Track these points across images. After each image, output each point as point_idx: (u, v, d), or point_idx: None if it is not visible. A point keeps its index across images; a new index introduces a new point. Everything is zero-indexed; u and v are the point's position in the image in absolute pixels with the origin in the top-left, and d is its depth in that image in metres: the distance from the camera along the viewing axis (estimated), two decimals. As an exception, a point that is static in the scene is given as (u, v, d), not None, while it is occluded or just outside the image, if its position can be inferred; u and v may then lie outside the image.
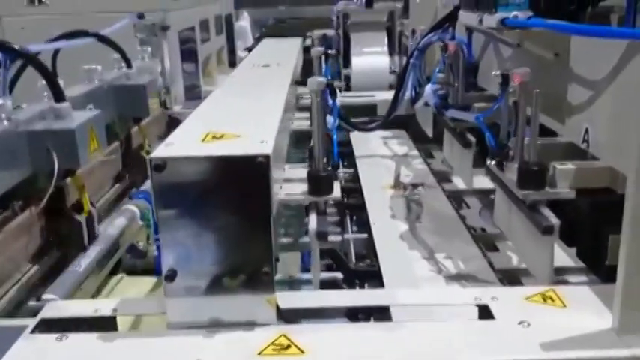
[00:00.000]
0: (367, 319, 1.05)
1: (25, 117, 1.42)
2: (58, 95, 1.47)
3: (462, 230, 1.62)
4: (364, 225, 1.73)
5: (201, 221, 0.96)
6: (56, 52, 2.09)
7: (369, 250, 1.59)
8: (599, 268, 1.29)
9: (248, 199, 0.96)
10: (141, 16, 2.81)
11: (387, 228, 1.64)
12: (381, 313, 1.05)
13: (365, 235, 1.66)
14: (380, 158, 2.26)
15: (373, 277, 1.40)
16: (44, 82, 1.47)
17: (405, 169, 2.05)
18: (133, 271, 1.71)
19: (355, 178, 2.05)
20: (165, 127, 2.49)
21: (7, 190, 1.33)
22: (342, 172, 1.55)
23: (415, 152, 2.33)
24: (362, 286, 1.41)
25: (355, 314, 1.05)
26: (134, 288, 1.56)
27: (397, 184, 1.88)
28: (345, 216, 1.84)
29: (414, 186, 1.78)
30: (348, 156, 2.32)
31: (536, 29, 1.38)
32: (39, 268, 1.40)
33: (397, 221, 1.68)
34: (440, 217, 1.70)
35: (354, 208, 1.89)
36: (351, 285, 1.42)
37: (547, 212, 1.20)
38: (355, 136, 2.45)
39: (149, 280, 1.60)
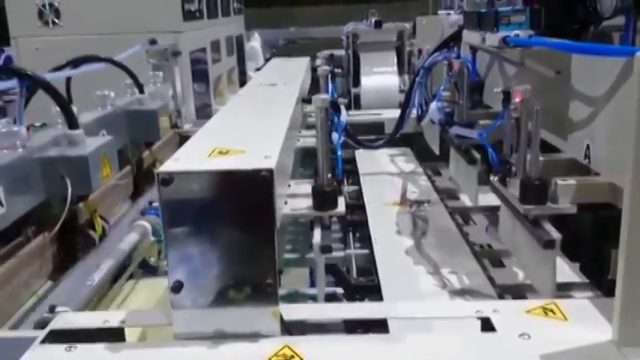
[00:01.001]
0: (366, 332, 1.06)
1: (39, 143, 1.45)
2: (72, 122, 1.51)
3: (463, 246, 1.63)
4: (366, 241, 1.75)
5: (207, 234, 0.98)
6: (69, 77, 2.14)
7: (370, 265, 1.61)
8: (602, 282, 1.30)
9: (252, 213, 0.98)
10: (153, 42, 2.88)
11: (388, 244, 1.65)
12: (380, 327, 1.06)
13: (366, 251, 1.68)
14: (384, 175, 2.28)
15: (372, 292, 1.41)
16: (58, 109, 1.50)
17: (410, 186, 2.07)
18: (143, 286, 1.73)
19: (359, 195, 2.07)
20: (176, 147, 2.53)
21: (21, 215, 1.35)
22: (345, 188, 1.57)
23: (420, 169, 2.34)
24: (362, 301, 1.42)
25: (354, 328, 1.06)
26: (147, 290, 1.57)
27: (404, 201, 1.90)
28: (347, 232, 1.86)
29: (419, 203, 1.80)
30: (353, 173, 2.34)
31: (537, 48, 1.41)
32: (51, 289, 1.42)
33: (399, 237, 1.70)
34: (442, 234, 1.71)
35: (356, 224, 1.91)
36: (351, 299, 1.44)
37: (549, 227, 1.21)
38: (360, 154, 2.47)
39: (163, 282, 1.62)
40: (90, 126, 1.66)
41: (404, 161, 2.45)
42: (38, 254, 1.40)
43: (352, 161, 2.44)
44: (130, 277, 1.68)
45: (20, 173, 1.34)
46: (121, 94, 2.24)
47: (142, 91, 2.27)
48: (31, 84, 1.52)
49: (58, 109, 1.49)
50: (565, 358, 0.92)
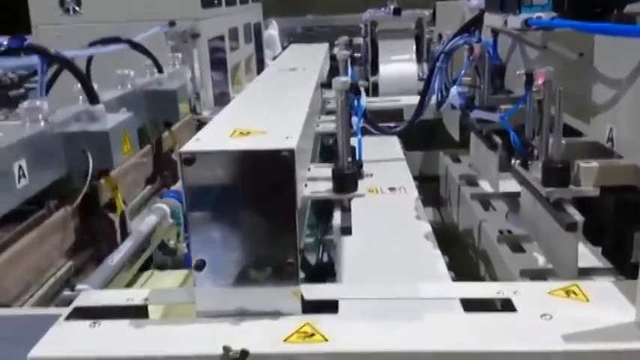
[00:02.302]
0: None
1: (60, 119, 1.47)
2: (93, 98, 1.54)
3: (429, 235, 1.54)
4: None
5: (229, 214, 0.99)
6: (90, 58, 2.16)
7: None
8: (625, 266, 1.29)
9: (274, 193, 0.98)
10: (172, 24, 2.89)
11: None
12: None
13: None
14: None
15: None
16: (79, 86, 1.52)
17: (385, 173, 2.00)
18: (163, 268, 1.75)
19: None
20: (194, 130, 2.55)
21: (43, 188, 1.38)
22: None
23: (402, 157, 2.22)
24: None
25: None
26: (164, 282, 1.60)
27: (376, 188, 1.84)
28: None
29: (392, 189, 1.77)
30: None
31: (560, 30, 1.40)
32: (73, 264, 1.45)
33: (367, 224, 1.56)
34: (409, 221, 1.64)
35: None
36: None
37: (571, 209, 1.20)
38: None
39: (179, 273, 1.64)
40: (110, 104, 1.68)
41: (388, 148, 2.32)
42: (60, 227, 1.42)
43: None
44: (149, 259, 1.71)
45: (42, 147, 1.37)
46: (141, 75, 2.25)
47: (161, 71, 2.28)
48: (51, 60, 1.54)
49: (79, 86, 1.51)
50: (587, 338, 0.92)
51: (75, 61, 1.66)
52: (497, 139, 1.77)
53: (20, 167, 1.33)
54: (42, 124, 1.40)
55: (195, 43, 2.94)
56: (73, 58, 1.68)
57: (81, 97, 1.54)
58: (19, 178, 1.32)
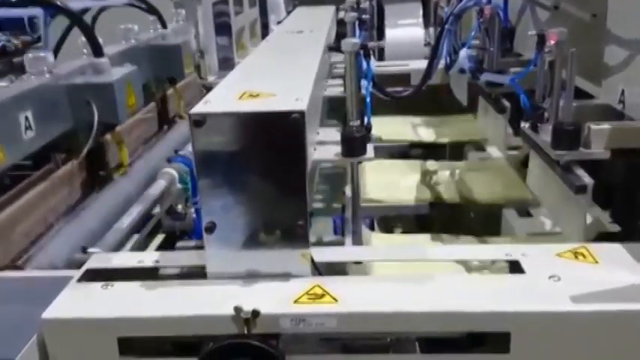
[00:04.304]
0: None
1: (65, 71, 1.46)
2: (97, 50, 1.52)
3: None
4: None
5: (239, 176, 0.99)
6: (96, 14, 2.14)
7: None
8: (634, 231, 1.29)
9: (284, 155, 0.98)
10: (176, -21, 2.85)
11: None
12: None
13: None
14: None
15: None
16: (83, 39, 1.51)
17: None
18: (172, 233, 1.76)
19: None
20: (199, 88, 2.53)
21: (50, 141, 1.38)
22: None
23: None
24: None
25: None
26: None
27: None
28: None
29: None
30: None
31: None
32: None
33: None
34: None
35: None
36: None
37: (581, 172, 1.20)
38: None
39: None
40: (114, 58, 1.67)
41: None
42: (67, 180, 1.42)
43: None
44: (158, 224, 1.72)
45: (48, 98, 1.36)
46: (145, 31, 2.23)
47: (165, 27, 2.25)
48: (56, 11, 1.53)
49: (83, 39, 1.50)
50: (595, 299, 0.92)
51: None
52: (506, 103, 1.75)
53: (27, 118, 1.32)
54: (47, 75, 1.40)
55: (199, 0, 2.89)
56: (80, 10, 1.67)
57: (85, 50, 1.53)
58: (26, 129, 1.32)
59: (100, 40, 1.55)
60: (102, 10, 2.18)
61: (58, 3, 1.52)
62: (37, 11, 1.53)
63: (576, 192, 1.16)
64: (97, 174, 1.52)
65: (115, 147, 1.54)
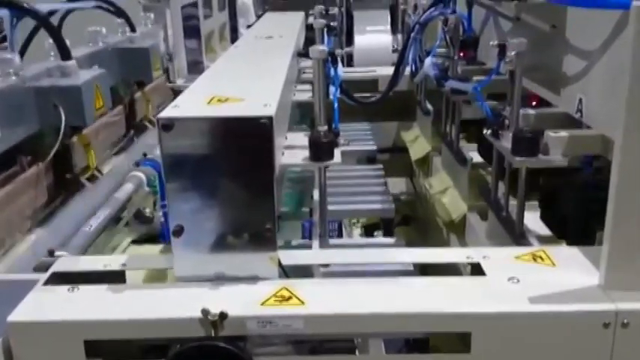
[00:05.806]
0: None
1: (31, 73, 1.45)
2: (65, 53, 1.51)
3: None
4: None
5: (207, 180, 1.00)
6: (63, 16, 2.12)
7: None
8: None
9: (252, 159, 1.00)
10: (145, -18, 2.82)
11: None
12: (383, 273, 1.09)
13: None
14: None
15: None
16: (51, 41, 1.50)
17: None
18: (139, 237, 1.76)
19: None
20: (167, 92, 2.52)
21: (15, 143, 1.36)
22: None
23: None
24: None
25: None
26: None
27: None
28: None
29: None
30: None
31: (533, 2, 1.41)
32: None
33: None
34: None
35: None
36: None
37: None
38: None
39: (155, 248, 1.65)
40: (81, 60, 1.66)
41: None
42: (33, 183, 1.41)
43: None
44: (126, 225, 1.71)
45: (14, 101, 1.35)
46: (113, 34, 2.22)
47: (133, 30, 2.25)
48: (23, 14, 1.52)
49: (50, 41, 1.49)
50: (553, 300, 0.96)
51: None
52: (429, 106, 1.80)
53: (-8, 120, 1.31)
54: (13, 77, 1.38)
55: (168, 4, 2.88)
56: (46, 13, 1.66)
57: (52, 52, 1.52)
58: (-9, 131, 1.31)
59: (68, 43, 1.54)
60: (69, 12, 2.17)
61: (25, 5, 1.51)
62: (2, 12, 1.51)
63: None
64: (64, 177, 1.50)
65: (82, 150, 1.53)
